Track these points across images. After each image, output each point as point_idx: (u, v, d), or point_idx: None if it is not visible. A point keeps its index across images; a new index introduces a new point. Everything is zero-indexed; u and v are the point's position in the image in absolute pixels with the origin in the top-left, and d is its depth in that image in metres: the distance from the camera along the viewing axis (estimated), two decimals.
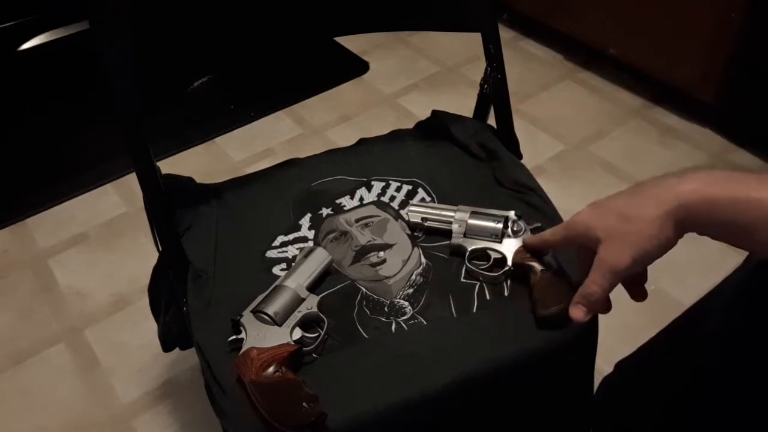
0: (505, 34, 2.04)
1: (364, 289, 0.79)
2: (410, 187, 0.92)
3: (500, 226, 0.81)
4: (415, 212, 0.86)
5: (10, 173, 1.68)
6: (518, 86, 1.86)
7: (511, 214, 0.82)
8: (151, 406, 1.17)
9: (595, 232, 0.63)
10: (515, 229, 0.80)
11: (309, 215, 0.89)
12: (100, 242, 1.47)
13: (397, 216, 0.88)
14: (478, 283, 0.78)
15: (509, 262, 0.78)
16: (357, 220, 0.88)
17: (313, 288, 0.77)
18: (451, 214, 0.84)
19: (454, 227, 0.82)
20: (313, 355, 0.72)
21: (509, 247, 0.79)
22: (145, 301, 0.93)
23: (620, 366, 0.93)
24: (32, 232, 1.51)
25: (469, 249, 0.81)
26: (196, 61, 0.93)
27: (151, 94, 0.83)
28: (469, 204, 0.85)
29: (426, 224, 0.85)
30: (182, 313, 0.79)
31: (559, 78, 1.93)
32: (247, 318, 0.73)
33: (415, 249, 0.83)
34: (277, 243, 0.85)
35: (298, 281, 0.76)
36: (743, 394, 0.70)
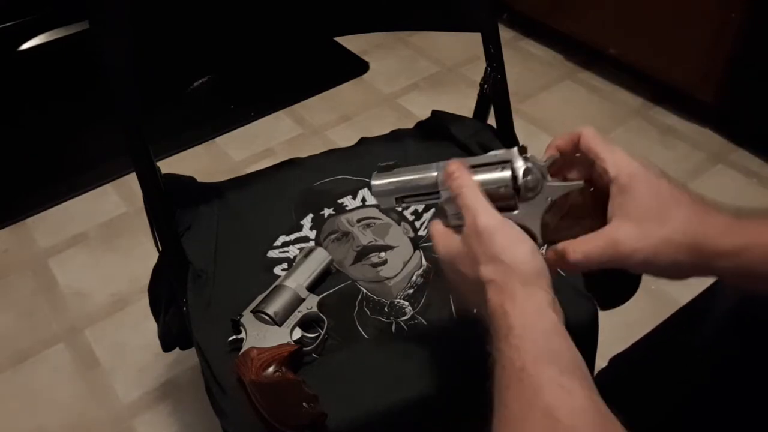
0: (505, 34, 2.04)
1: (364, 290, 0.79)
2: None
3: (508, 175, 0.56)
4: (382, 189, 0.63)
5: (10, 173, 1.68)
6: (518, 86, 1.86)
7: (514, 152, 0.57)
8: (151, 406, 1.17)
9: (629, 194, 0.52)
10: (530, 185, 0.55)
11: (311, 215, 0.89)
12: (100, 242, 1.47)
13: (400, 220, 0.88)
14: None
15: (539, 240, 0.56)
16: (359, 221, 0.88)
17: (313, 288, 0.77)
18: (432, 175, 0.60)
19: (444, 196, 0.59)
20: (313, 355, 0.72)
21: (530, 214, 0.55)
22: (145, 301, 0.93)
23: (613, 361, 0.92)
24: (32, 232, 1.50)
25: None
26: (196, 61, 0.93)
27: (151, 94, 0.83)
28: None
29: (403, 205, 0.64)
30: (182, 313, 0.79)
31: (559, 78, 1.93)
32: (247, 318, 0.73)
33: (417, 251, 0.83)
34: (278, 243, 0.85)
35: (298, 281, 0.76)
36: (733, 405, 0.70)
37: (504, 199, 0.55)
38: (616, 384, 0.90)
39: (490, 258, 0.52)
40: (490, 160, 0.57)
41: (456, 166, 0.57)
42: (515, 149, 0.57)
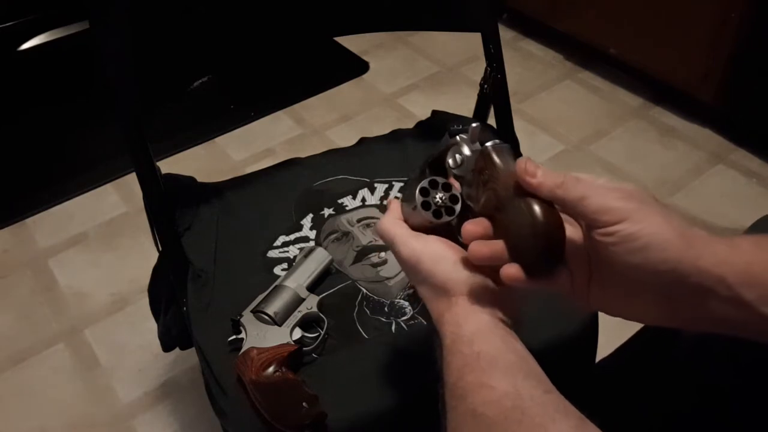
0: (505, 34, 2.04)
1: (364, 290, 0.79)
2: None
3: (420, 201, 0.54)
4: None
5: (10, 173, 1.68)
6: (518, 86, 1.86)
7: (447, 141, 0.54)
8: (151, 406, 1.17)
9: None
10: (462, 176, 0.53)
11: (311, 215, 0.89)
12: (100, 242, 1.47)
13: None
14: None
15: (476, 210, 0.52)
16: (359, 220, 0.88)
17: (313, 288, 0.77)
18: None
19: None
20: (313, 355, 0.72)
21: (467, 192, 0.53)
22: (145, 301, 0.93)
23: (598, 367, 0.92)
24: (32, 232, 1.50)
25: None
26: (196, 61, 0.93)
27: (151, 94, 0.83)
28: None
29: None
30: (182, 313, 0.79)
31: (559, 78, 1.93)
32: (247, 318, 0.73)
33: None
34: (278, 243, 0.85)
35: (298, 281, 0.76)
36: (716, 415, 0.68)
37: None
38: (603, 392, 0.89)
39: (420, 281, 0.55)
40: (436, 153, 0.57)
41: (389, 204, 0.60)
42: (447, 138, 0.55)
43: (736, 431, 0.64)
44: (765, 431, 0.62)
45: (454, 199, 0.55)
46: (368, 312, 0.76)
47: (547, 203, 0.46)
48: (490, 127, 1.00)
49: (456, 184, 0.55)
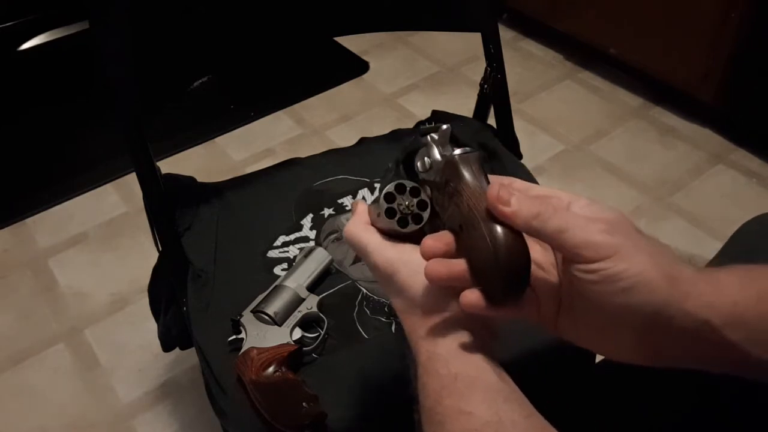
0: (505, 34, 2.04)
1: (364, 290, 0.79)
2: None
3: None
4: None
5: (10, 173, 1.68)
6: (518, 86, 1.86)
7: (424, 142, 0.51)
8: (151, 406, 1.17)
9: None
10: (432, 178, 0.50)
11: (311, 215, 0.89)
12: (100, 242, 1.47)
13: None
14: None
15: (444, 221, 0.50)
16: None
17: (313, 288, 0.77)
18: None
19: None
20: (313, 355, 0.72)
21: (436, 197, 0.50)
22: (145, 301, 0.93)
23: (599, 366, 0.91)
24: (32, 232, 1.50)
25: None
26: (196, 61, 0.93)
27: (151, 94, 0.83)
28: None
29: None
30: (182, 313, 0.79)
31: (559, 78, 1.93)
32: (247, 318, 0.73)
33: None
34: (278, 243, 0.85)
35: (298, 281, 0.76)
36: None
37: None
38: (603, 393, 0.89)
39: (395, 293, 0.51)
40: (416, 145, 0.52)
41: (355, 206, 0.56)
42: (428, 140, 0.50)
43: (736, 431, 0.64)
44: (765, 431, 0.62)
45: (422, 204, 0.50)
46: (368, 312, 0.76)
47: (514, 230, 0.43)
48: (491, 126, 1.00)
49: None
